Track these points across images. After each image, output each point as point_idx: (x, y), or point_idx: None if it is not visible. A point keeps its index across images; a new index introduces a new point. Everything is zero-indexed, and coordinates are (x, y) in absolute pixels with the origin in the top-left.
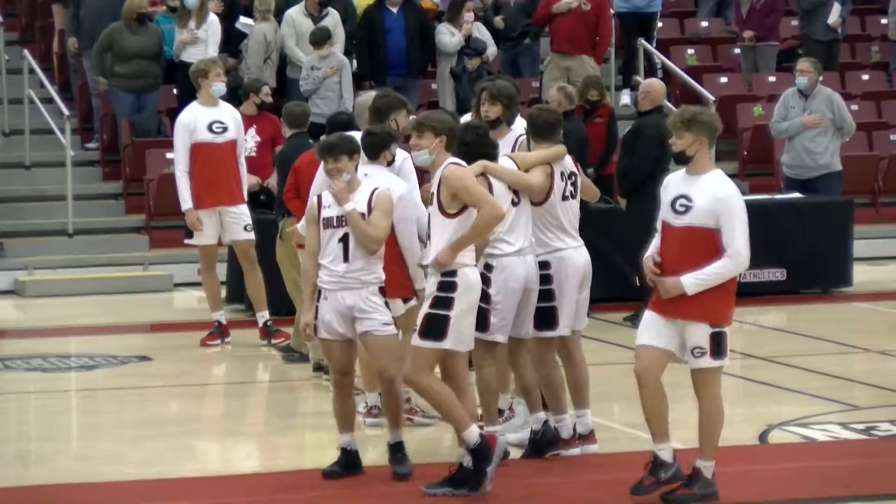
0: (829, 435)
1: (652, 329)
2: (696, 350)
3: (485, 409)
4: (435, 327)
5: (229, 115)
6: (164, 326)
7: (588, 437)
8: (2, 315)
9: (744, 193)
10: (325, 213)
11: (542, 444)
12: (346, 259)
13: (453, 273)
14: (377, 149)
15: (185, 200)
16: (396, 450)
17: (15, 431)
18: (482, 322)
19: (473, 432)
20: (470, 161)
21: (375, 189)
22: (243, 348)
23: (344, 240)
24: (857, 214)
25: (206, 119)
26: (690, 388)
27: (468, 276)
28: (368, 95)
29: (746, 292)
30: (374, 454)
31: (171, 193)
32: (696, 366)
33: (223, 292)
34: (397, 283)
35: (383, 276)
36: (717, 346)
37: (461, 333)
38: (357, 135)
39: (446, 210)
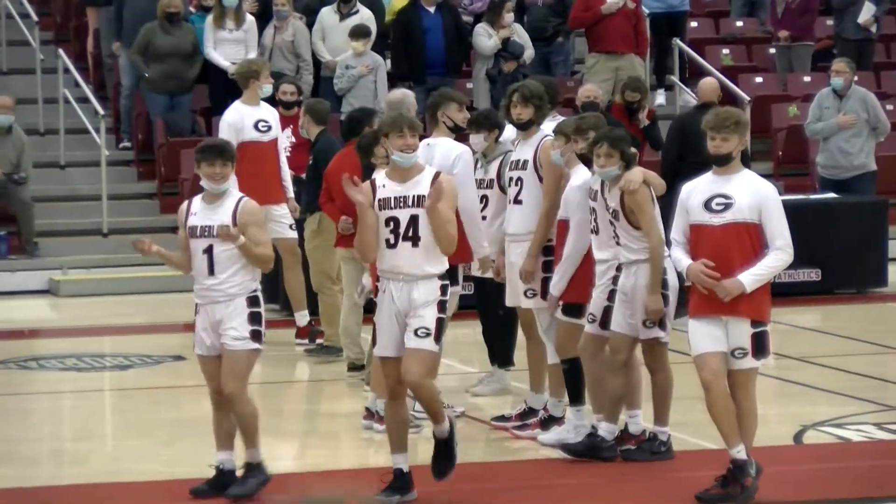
0: (864, 435)
1: (705, 335)
2: (737, 351)
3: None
4: (443, 331)
5: (270, 113)
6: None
7: (639, 438)
8: (36, 314)
9: (779, 193)
10: (190, 221)
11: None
12: (210, 272)
13: (446, 276)
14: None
15: None
16: (247, 469)
17: (49, 431)
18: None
19: (402, 459)
20: (629, 165)
21: (239, 200)
22: (277, 348)
23: (209, 251)
24: (893, 214)
25: (252, 118)
26: None
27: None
28: (399, 92)
29: (781, 292)
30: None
31: None
32: (737, 367)
33: None
34: None
35: (254, 287)
36: (760, 345)
37: None
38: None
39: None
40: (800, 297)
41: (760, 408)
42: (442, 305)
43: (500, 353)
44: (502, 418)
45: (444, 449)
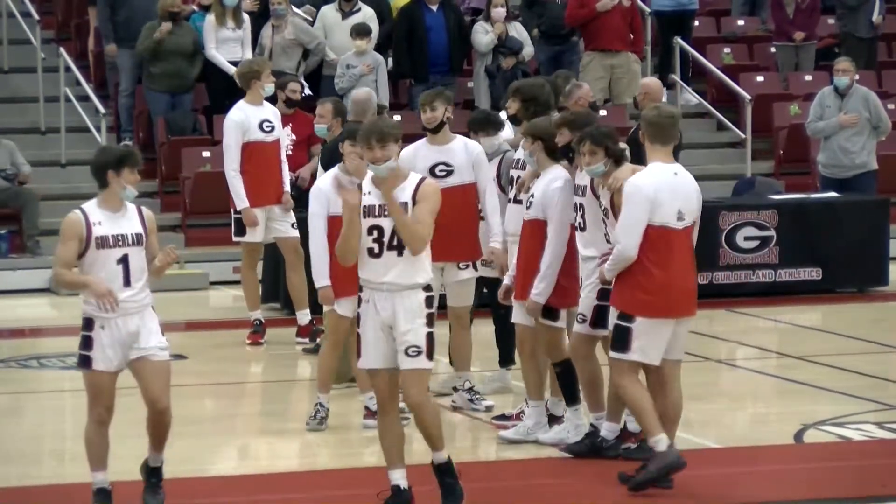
0: (864, 434)
1: None
2: None
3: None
4: (433, 345)
5: (273, 113)
6: (199, 325)
7: (639, 436)
8: (37, 313)
9: (780, 192)
10: (97, 232)
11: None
12: (127, 283)
13: (431, 287)
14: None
15: (242, 199)
16: (152, 475)
17: (50, 430)
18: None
19: (399, 475)
20: (619, 161)
21: (139, 209)
22: (278, 347)
23: (123, 261)
24: (894, 213)
25: (257, 118)
26: (718, 387)
27: None
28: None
29: (782, 291)
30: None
31: (206, 191)
32: None
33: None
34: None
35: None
36: (614, 335)
37: None
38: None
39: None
40: (801, 295)
41: (762, 406)
42: (430, 318)
43: (502, 352)
44: (503, 417)
45: (448, 480)
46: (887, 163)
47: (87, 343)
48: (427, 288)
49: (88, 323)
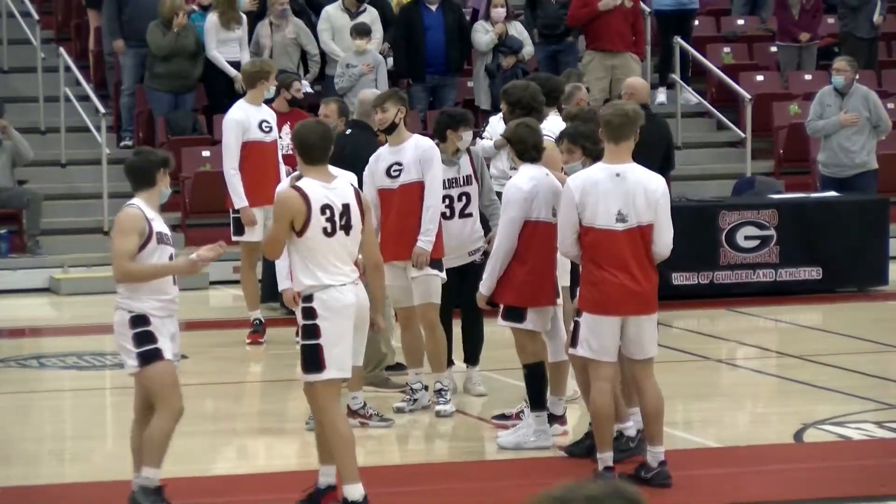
0: (864, 434)
1: None
2: None
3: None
4: (311, 359)
5: (270, 115)
6: (199, 324)
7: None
8: (37, 313)
9: (780, 192)
10: (156, 227)
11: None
12: (174, 281)
13: (309, 298)
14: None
15: (241, 198)
16: (157, 495)
17: (50, 429)
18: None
19: (356, 490)
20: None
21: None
22: (278, 346)
23: (171, 259)
24: (894, 213)
25: (256, 118)
26: (718, 387)
27: (327, 299)
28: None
29: (782, 290)
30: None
31: (206, 191)
32: None
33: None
34: None
35: None
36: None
37: (338, 359)
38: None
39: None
40: (801, 295)
41: (762, 406)
42: (304, 330)
43: (467, 350)
44: (502, 417)
45: None
46: (887, 162)
47: (149, 337)
48: (306, 299)
49: (143, 319)
